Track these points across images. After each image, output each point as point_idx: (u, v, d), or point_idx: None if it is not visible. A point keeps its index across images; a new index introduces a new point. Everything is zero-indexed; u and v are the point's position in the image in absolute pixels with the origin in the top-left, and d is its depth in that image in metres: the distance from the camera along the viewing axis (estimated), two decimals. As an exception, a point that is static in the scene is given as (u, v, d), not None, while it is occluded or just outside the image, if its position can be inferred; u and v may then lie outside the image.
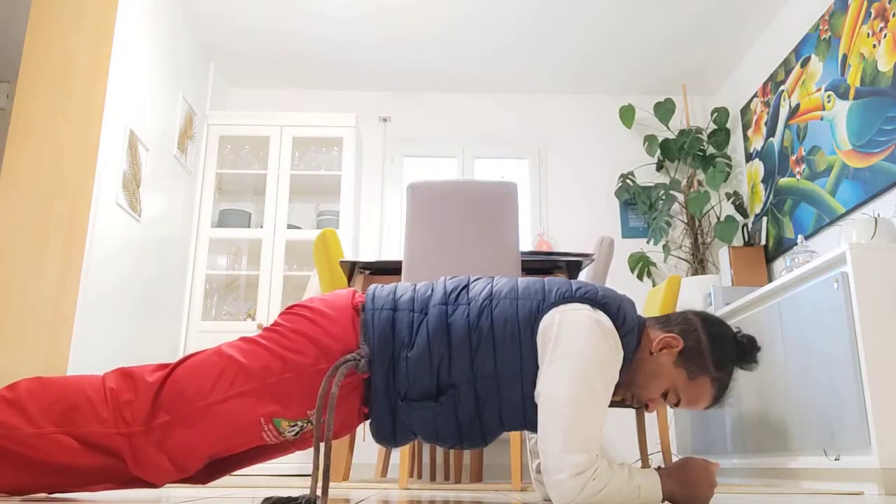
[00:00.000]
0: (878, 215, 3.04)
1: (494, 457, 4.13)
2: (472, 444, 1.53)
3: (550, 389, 1.35)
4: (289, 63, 4.72)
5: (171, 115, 4.00)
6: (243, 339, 1.48)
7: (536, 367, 1.42)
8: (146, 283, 3.69)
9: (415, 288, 1.53)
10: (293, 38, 4.45)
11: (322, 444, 1.44)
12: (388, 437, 1.50)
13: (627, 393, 1.51)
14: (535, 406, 1.44)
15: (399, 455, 2.87)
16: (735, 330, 1.51)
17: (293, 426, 1.43)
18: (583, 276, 3.19)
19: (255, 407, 1.40)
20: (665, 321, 1.52)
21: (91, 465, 1.42)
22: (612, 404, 3.14)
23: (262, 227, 4.41)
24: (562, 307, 1.42)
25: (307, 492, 1.61)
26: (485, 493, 2.06)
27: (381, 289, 1.54)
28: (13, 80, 4.52)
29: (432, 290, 1.51)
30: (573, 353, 1.35)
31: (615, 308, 1.44)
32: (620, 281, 4.61)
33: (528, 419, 1.48)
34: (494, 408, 1.45)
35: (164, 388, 1.42)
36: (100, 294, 3.18)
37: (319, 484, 1.27)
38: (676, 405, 1.49)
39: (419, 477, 3.40)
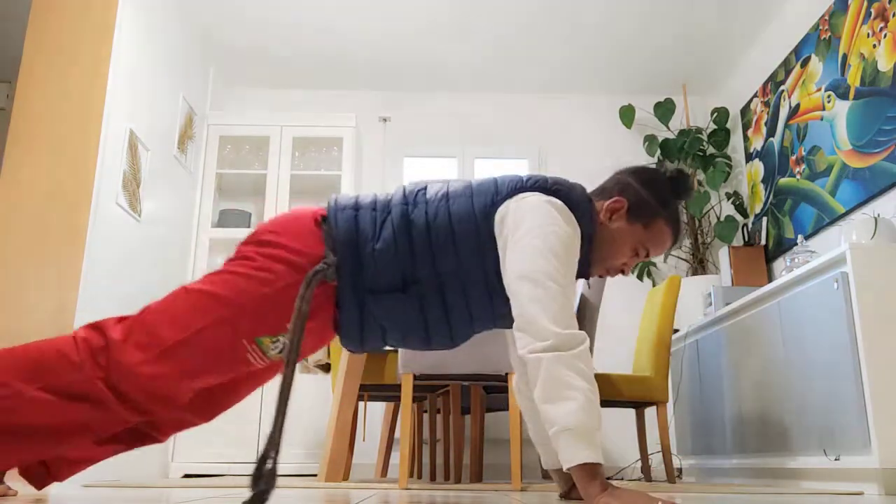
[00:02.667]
0: (878, 215, 3.04)
1: (494, 457, 4.13)
2: (440, 342, 1.57)
3: (518, 268, 1.40)
4: (289, 63, 4.72)
5: (171, 115, 4.00)
6: (208, 275, 1.49)
7: (497, 260, 1.48)
8: (146, 283, 3.69)
9: (375, 194, 1.60)
10: (293, 38, 4.45)
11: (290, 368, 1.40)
12: (355, 338, 1.53)
13: (601, 268, 1.60)
14: (503, 302, 1.49)
15: (399, 455, 2.87)
16: (662, 170, 1.62)
17: (275, 342, 1.45)
18: (583, 276, 3.19)
19: (235, 330, 1.41)
20: (602, 191, 1.61)
21: (77, 419, 1.37)
22: (613, 404, 3.14)
23: (262, 227, 4.41)
24: (515, 197, 1.50)
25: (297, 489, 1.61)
26: (485, 493, 2.06)
27: (341, 197, 1.59)
28: (13, 80, 4.52)
29: (392, 194, 1.57)
30: (534, 232, 1.42)
31: (566, 192, 1.52)
32: (621, 281, 4.62)
33: (496, 314, 1.54)
34: (462, 305, 1.51)
35: (135, 330, 1.40)
36: (100, 294, 3.18)
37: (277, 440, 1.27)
38: (647, 257, 1.59)
39: (419, 477, 3.40)
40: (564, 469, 1.29)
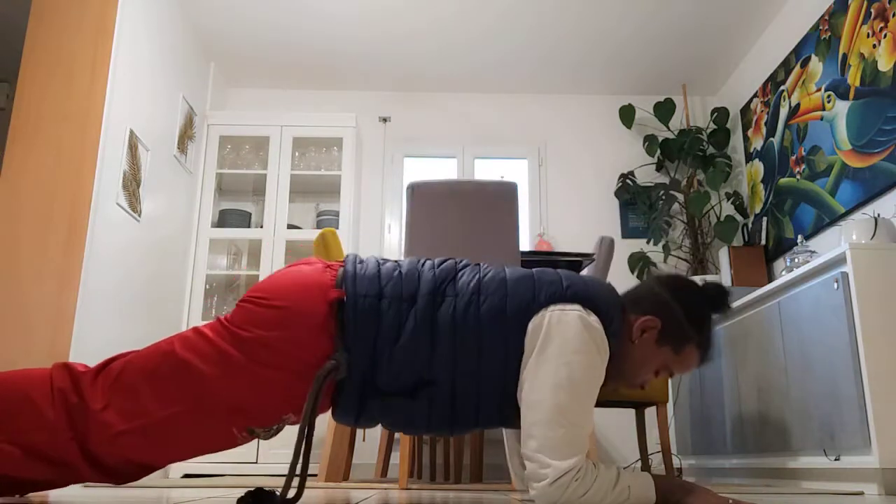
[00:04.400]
0: (878, 215, 3.04)
1: (494, 457, 4.13)
2: (438, 434, 1.49)
3: (537, 394, 1.32)
4: (289, 63, 4.72)
5: (171, 115, 4.00)
6: (201, 335, 1.35)
7: (519, 367, 1.38)
8: (146, 283, 3.69)
9: (400, 272, 1.44)
10: (293, 39, 4.45)
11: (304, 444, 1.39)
12: (349, 421, 1.45)
13: (618, 383, 1.50)
14: (512, 405, 1.41)
15: (399, 455, 2.87)
16: (703, 286, 1.50)
17: (268, 431, 1.38)
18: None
19: (226, 422, 1.33)
20: (635, 301, 1.48)
21: (39, 476, 1.30)
22: (613, 404, 3.14)
23: (262, 227, 4.41)
24: (552, 307, 1.39)
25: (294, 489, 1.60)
26: (485, 493, 2.06)
27: (363, 269, 1.43)
28: (13, 80, 4.52)
29: (419, 277, 1.43)
30: (562, 358, 1.33)
31: (604, 308, 1.41)
32: (620, 281, 4.61)
33: (503, 418, 1.45)
34: (471, 406, 1.41)
35: (117, 394, 1.31)
36: (100, 294, 3.18)
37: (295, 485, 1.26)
38: (670, 377, 1.50)
39: (419, 477, 3.40)
40: None
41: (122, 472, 1.35)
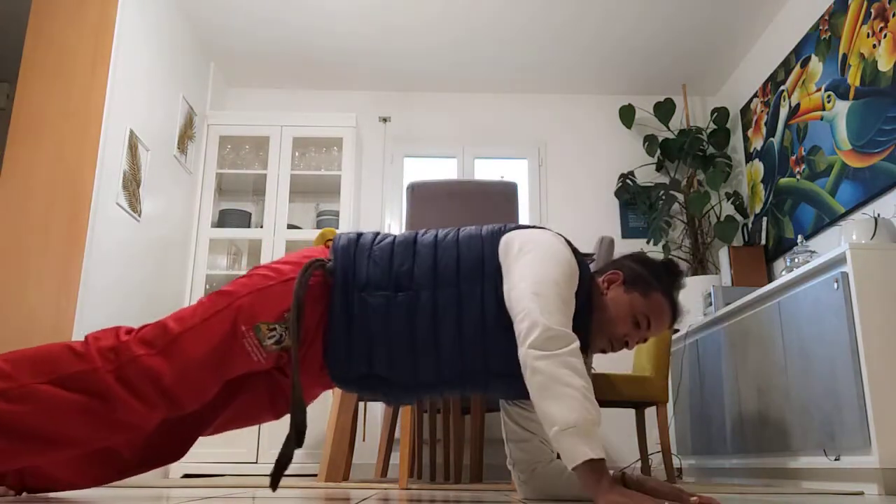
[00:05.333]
0: (878, 215, 3.04)
1: (494, 457, 4.13)
2: (426, 375, 1.52)
3: (520, 272, 1.45)
4: (289, 63, 4.72)
5: (171, 115, 4.00)
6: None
7: (496, 277, 1.50)
8: (146, 282, 3.69)
9: (379, 232, 1.66)
10: (293, 38, 4.45)
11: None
12: (341, 356, 1.51)
13: (604, 340, 1.59)
14: (498, 343, 1.47)
15: (399, 455, 2.87)
16: (653, 259, 1.68)
17: (272, 331, 1.47)
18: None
19: (234, 316, 1.46)
20: (598, 270, 1.66)
21: (81, 417, 1.37)
22: (613, 404, 3.14)
23: (262, 227, 4.41)
24: (523, 229, 1.58)
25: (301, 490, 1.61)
26: (485, 493, 2.06)
27: (345, 233, 1.66)
28: (13, 80, 4.52)
29: (396, 234, 1.64)
30: (538, 249, 1.49)
31: (572, 248, 1.57)
32: (620, 281, 4.61)
33: (489, 354, 1.49)
34: (452, 322, 1.49)
35: (145, 329, 1.47)
36: (100, 294, 3.18)
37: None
38: (648, 329, 1.58)
39: (419, 477, 3.40)
40: (569, 469, 1.28)
41: (156, 401, 1.42)
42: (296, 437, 1.37)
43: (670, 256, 1.65)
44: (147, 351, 1.42)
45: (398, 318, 1.49)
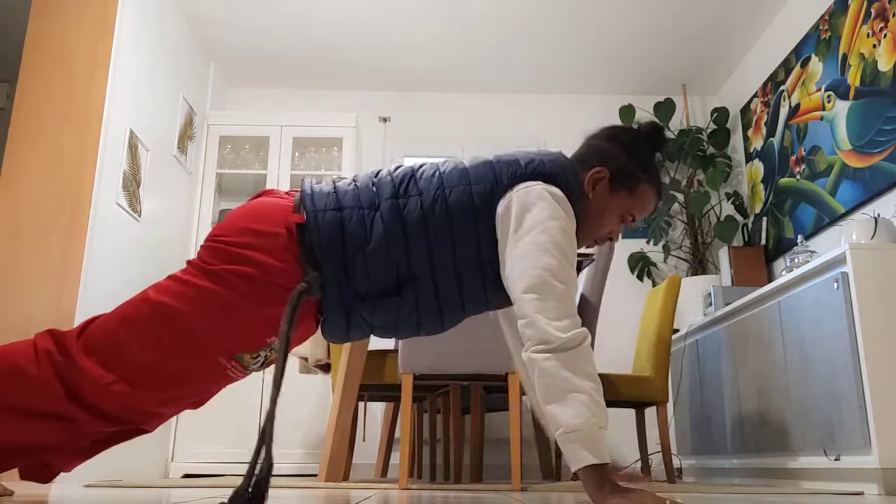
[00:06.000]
0: (878, 215, 3.04)
1: (494, 457, 4.13)
2: (429, 331, 1.52)
3: (520, 266, 1.36)
4: (289, 63, 4.72)
5: (171, 115, 4.00)
6: (174, 279, 1.36)
7: (495, 252, 1.43)
8: (146, 283, 3.68)
9: (356, 184, 1.46)
10: (293, 38, 4.45)
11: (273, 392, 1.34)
12: (340, 336, 1.48)
13: (588, 239, 1.56)
14: (494, 288, 1.46)
15: (399, 455, 2.87)
16: (635, 127, 1.59)
17: (256, 357, 1.38)
18: (583, 276, 3.19)
19: (212, 352, 1.34)
20: (582, 160, 1.56)
21: (46, 437, 1.32)
22: (613, 404, 3.14)
23: (262, 227, 4.41)
24: (517, 187, 1.43)
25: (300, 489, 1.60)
26: (485, 493, 2.06)
27: (318, 187, 1.45)
28: (13, 80, 4.52)
29: (376, 185, 1.45)
30: (539, 226, 1.37)
31: (563, 179, 1.48)
32: (620, 281, 4.61)
33: (489, 299, 1.49)
34: (455, 294, 1.46)
35: (100, 347, 1.32)
36: (100, 294, 3.18)
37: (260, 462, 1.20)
38: (633, 221, 1.56)
39: (419, 477, 3.40)
40: (572, 471, 1.27)
41: (126, 418, 1.36)
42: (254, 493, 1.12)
43: (653, 121, 1.63)
44: (110, 378, 1.30)
45: (405, 309, 1.44)
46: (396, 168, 1.52)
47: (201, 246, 1.41)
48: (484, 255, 1.43)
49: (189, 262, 1.39)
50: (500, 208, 1.42)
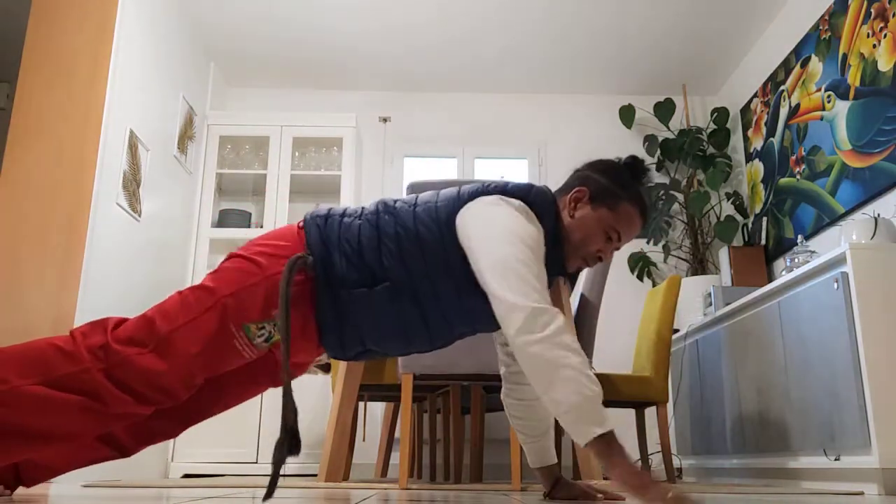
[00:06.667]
0: (878, 215, 3.04)
1: (494, 457, 4.13)
2: (419, 345, 1.61)
3: (484, 260, 1.44)
4: (289, 63, 4.72)
5: (171, 115, 4.00)
6: (199, 284, 1.55)
7: (467, 268, 1.50)
8: (146, 283, 3.69)
9: (348, 208, 1.66)
10: (293, 38, 4.45)
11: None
12: (335, 342, 1.57)
13: (577, 259, 1.61)
14: (479, 301, 1.51)
15: (399, 455, 2.87)
16: (616, 159, 1.68)
17: (261, 330, 1.49)
18: (583, 276, 3.19)
19: (222, 315, 1.46)
20: (564, 187, 1.66)
21: (72, 415, 1.38)
22: (613, 404, 3.14)
23: (262, 227, 4.41)
24: (473, 200, 1.55)
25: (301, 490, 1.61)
26: (485, 493, 2.06)
27: (318, 209, 1.65)
28: (13, 80, 4.52)
29: (364, 207, 1.64)
30: (491, 224, 1.48)
31: (524, 192, 1.57)
32: (620, 281, 4.61)
33: (475, 319, 1.56)
34: (436, 309, 1.54)
35: (133, 326, 1.45)
36: (100, 294, 3.18)
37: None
38: (619, 240, 1.60)
39: (419, 477, 3.40)
40: (582, 446, 1.32)
41: (149, 396, 1.43)
42: (289, 441, 1.36)
43: (633, 155, 1.69)
44: (138, 350, 1.42)
45: (382, 308, 1.53)
46: (387, 201, 1.65)
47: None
48: (456, 271, 1.52)
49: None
50: (458, 222, 1.53)
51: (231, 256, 1.56)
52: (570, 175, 1.69)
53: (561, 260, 1.60)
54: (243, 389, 1.67)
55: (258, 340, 1.50)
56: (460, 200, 1.56)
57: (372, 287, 1.52)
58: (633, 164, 1.64)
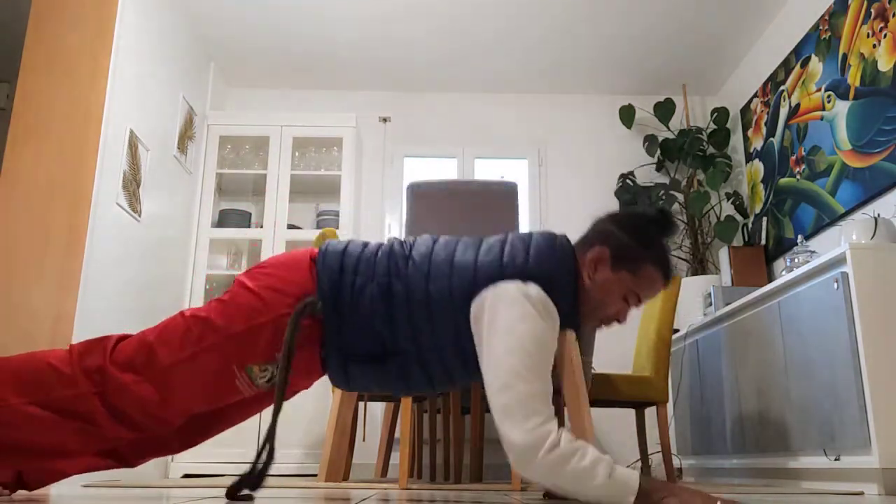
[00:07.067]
0: (878, 215, 3.04)
1: (494, 457, 4.13)
2: (419, 392, 1.60)
3: (492, 366, 1.37)
4: (289, 63, 4.72)
5: (171, 115, 4.00)
6: (207, 303, 1.51)
7: (473, 344, 1.46)
8: (146, 283, 3.69)
9: (365, 244, 1.57)
10: (293, 38, 4.45)
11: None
12: (341, 382, 1.56)
13: (593, 319, 1.54)
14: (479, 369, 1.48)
15: (399, 455, 2.87)
16: (642, 212, 1.56)
17: (264, 371, 1.45)
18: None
19: (225, 356, 1.43)
20: (584, 241, 1.56)
21: (67, 436, 1.38)
22: (613, 404, 3.14)
23: (262, 227, 4.41)
24: (490, 287, 1.44)
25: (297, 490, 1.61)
26: (485, 493, 2.06)
27: (334, 246, 1.55)
28: (13, 80, 4.52)
29: (377, 256, 1.53)
30: (507, 328, 1.38)
31: (545, 278, 1.45)
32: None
33: (476, 376, 1.53)
34: (443, 374, 1.52)
35: (132, 351, 1.42)
36: (100, 294, 3.18)
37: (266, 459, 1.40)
38: (639, 302, 1.53)
39: (419, 477, 3.40)
40: None
41: (144, 424, 1.42)
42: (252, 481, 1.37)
43: (661, 207, 1.58)
44: (135, 378, 1.39)
45: (390, 373, 1.52)
46: (402, 242, 1.58)
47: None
48: (464, 344, 1.47)
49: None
50: (473, 308, 1.45)
51: (239, 285, 1.50)
52: (593, 224, 1.58)
53: (576, 317, 1.52)
54: (245, 410, 1.65)
55: (260, 381, 1.47)
56: (476, 283, 1.46)
57: (383, 362, 1.49)
58: (661, 218, 1.54)
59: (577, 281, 1.50)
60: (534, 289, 1.42)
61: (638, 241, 1.50)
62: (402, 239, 1.60)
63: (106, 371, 1.39)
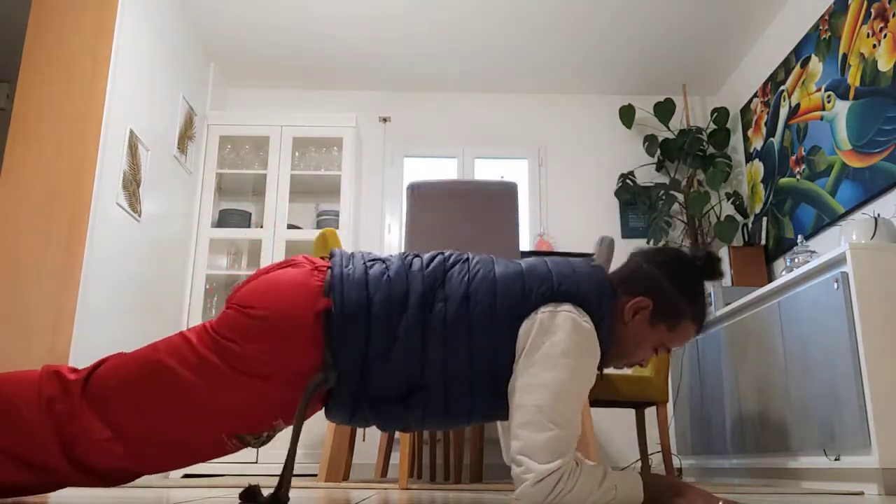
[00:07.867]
0: (878, 215, 3.04)
1: (494, 457, 4.13)
2: (432, 429, 1.49)
3: (524, 396, 1.30)
4: (289, 63, 4.72)
5: (171, 115, 4.00)
6: (186, 342, 1.32)
7: (510, 365, 1.36)
8: (146, 283, 3.69)
9: (388, 277, 1.38)
10: (293, 38, 4.45)
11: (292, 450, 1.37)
12: (342, 421, 1.44)
13: (617, 363, 1.49)
14: (505, 401, 1.39)
15: (399, 455, 2.87)
16: (691, 257, 1.48)
17: (257, 437, 1.36)
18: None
19: (215, 429, 1.31)
20: (625, 282, 1.45)
21: (23, 482, 1.28)
22: (613, 404, 3.14)
23: (262, 227, 4.41)
24: (543, 308, 1.36)
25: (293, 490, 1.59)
26: (485, 493, 2.06)
27: (350, 273, 1.37)
28: (13, 80, 4.52)
29: (408, 280, 1.39)
30: (550, 360, 1.31)
31: (596, 305, 1.39)
32: (620, 281, 4.61)
33: (496, 414, 1.44)
34: (464, 407, 1.39)
35: (104, 402, 1.29)
36: (100, 294, 3.18)
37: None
38: (668, 352, 1.49)
39: (419, 477, 3.40)
40: None
41: (110, 477, 1.33)
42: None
43: (710, 251, 1.48)
44: (107, 435, 1.27)
45: (407, 418, 1.40)
46: (431, 260, 1.44)
47: (223, 311, 1.36)
48: (500, 369, 1.37)
49: (205, 327, 1.34)
50: (523, 327, 1.36)
51: (223, 337, 1.30)
52: (635, 261, 1.49)
53: (604, 359, 1.45)
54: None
55: (252, 442, 1.37)
56: (526, 303, 1.37)
57: (406, 404, 1.37)
58: (708, 265, 1.46)
59: (613, 322, 1.42)
60: (586, 319, 1.36)
61: (682, 294, 1.44)
62: (418, 254, 1.50)
63: (78, 424, 1.26)
